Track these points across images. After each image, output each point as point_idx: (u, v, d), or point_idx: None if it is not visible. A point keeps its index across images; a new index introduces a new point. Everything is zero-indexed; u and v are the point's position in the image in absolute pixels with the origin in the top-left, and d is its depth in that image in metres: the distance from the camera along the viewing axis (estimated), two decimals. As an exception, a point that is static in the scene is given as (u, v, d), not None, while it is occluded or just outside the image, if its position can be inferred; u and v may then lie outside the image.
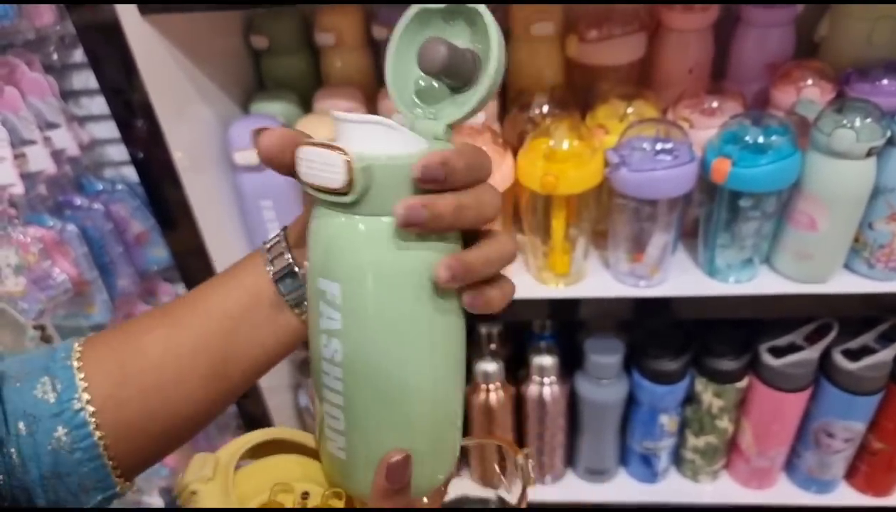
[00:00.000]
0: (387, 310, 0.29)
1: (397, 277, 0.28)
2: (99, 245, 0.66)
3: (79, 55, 0.64)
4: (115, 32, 0.55)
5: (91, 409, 0.33)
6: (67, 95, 0.66)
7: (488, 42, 0.28)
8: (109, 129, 0.67)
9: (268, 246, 0.37)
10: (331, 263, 0.29)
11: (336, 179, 0.27)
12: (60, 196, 0.65)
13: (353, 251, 0.28)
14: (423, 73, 0.29)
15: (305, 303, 0.35)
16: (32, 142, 0.60)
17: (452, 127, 0.29)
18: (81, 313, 0.67)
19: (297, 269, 0.36)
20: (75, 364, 0.33)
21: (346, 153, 0.26)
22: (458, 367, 0.32)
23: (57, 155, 0.63)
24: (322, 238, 0.29)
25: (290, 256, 0.36)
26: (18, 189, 0.59)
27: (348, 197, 0.27)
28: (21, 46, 0.62)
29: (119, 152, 0.69)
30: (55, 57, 0.63)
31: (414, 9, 0.30)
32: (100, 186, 0.68)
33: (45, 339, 0.74)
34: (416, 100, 0.31)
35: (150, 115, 0.59)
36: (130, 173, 0.70)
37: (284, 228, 0.37)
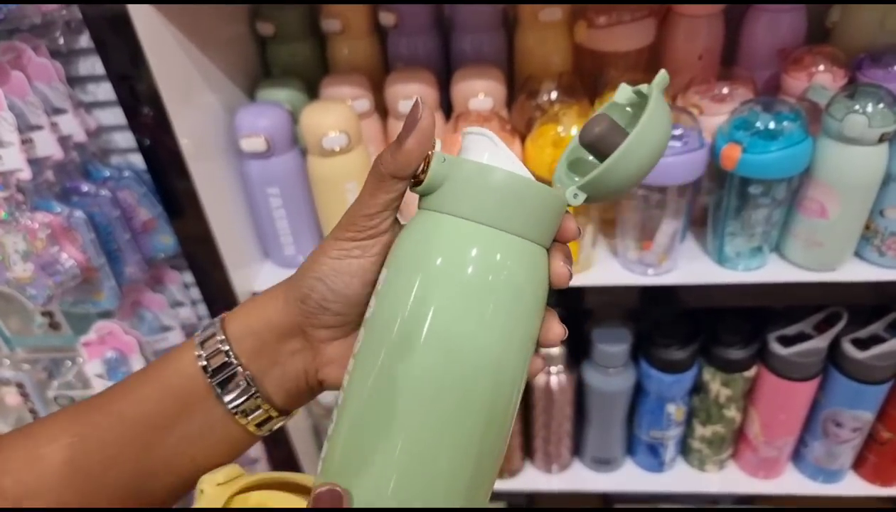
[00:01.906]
0: (431, 313, 0.26)
1: (463, 283, 0.26)
2: (106, 232, 0.66)
3: (85, 40, 0.64)
4: (121, 18, 0.54)
5: None
6: (74, 81, 0.65)
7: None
8: (116, 116, 0.67)
9: (201, 340, 0.31)
10: (392, 252, 0.29)
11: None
12: (67, 182, 0.65)
13: (409, 240, 0.28)
14: (582, 146, 0.30)
15: (257, 410, 0.31)
16: (39, 127, 0.60)
17: (586, 197, 0.29)
18: (90, 300, 0.67)
19: (241, 370, 0.30)
20: None
21: (434, 144, 0.28)
22: (503, 433, 0.28)
23: (64, 141, 0.62)
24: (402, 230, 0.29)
25: (231, 355, 0.30)
26: (26, 174, 0.59)
27: (421, 186, 0.27)
28: (27, 31, 0.62)
29: (126, 139, 0.69)
30: (61, 42, 0.63)
31: (611, 100, 0.32)
32: (107, 173, 0.68)
33: (54, 326, 0.75)
34: (568, 170, 0.32)
35: (157, 101, 0.58)
36: (137, 160, 0.70)
37: (221, 318, 0.32)
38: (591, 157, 0.31)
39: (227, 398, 0.31)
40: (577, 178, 0.30)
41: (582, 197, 0.29)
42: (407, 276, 0.27)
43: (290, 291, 0.31)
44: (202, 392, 0.30)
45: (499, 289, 0.26)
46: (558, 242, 0.30)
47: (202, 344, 0.31)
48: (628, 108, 0.32)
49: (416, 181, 0.28)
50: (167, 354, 0.32)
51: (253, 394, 0.31)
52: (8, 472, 0.29)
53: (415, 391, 0.26)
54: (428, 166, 0.27)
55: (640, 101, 0.31)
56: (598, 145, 0.29)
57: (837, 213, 0.62)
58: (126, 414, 0.30)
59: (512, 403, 0.28)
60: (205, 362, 0.30)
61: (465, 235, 0.26)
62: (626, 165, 0.28)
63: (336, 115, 0.64)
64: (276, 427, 0.33)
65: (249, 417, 0.31)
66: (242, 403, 0.31)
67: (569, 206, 0.29)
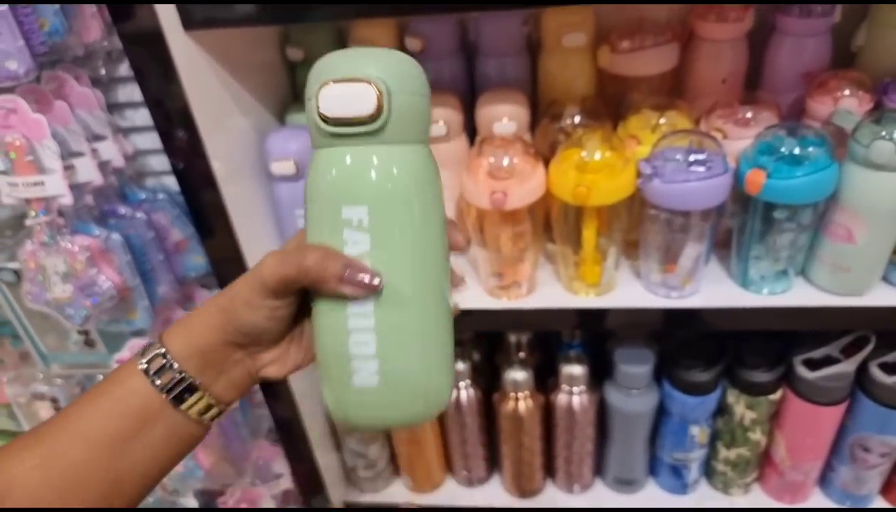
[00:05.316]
0: (411, 223, 0.33)
1: (421, 193, 0.33)
2: (141, 253, 0.68)
3: (124, 69, 0.67)
4: (159, 46, 0.57)
5: None
6: (113, 108, 0.68)
7: None
8: (152, 140, 0.70)
9: (145, 361, 0.36)
10: (357, 190, 0.32)
11: (366, 108, 0.30)
12: (105, 205, 0.68)
13: (377, 170, 0.32)
14: None
15: (211, 409, 0.37)
16: (81, 154, 0.63)
17: None
18: (124, 319, 0.69)
19: (193, 382, 0.36)
20: None
21: (374, 84, 0.30)
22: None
23: (103, 166, 0.65)
24: (345, 168, 0.32)
25: (182, 372, 0.35)
26: (67, 200, 0.61)
27: (377, 123, 0.31)
28: (70, 62, 0.65)
29: (160, 162, 0.71)
30: (102, 71, 0.66)
31: None
32: (142, 196, 0.70)
33: (89, 343, 0.77)
34: None
35: (191, 126, 0.60)
36: (171, 182, 0.72)
37: (161, 340, 0.36)
38: None
39: (184, 407, 0.36)
40: None
41: None
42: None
43: (228, 324, 0.36)
44: (159, 405, 0.35)
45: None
46: None
47: (148, 363, 0.35)
48: None
49: (370, 121, 0.31)
50: (113, 377, 0.36)
51: (206, 397, 0.36)
52: None
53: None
54: (381, 104, 0.31)
55: None
56: None
57: (865, 238, 0.62)
58: (90, 435, 0.34)
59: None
60: (157, 381, 0.35)
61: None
62: None
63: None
64: (225, 414, 0.39)
65: (205, 416, 0.37)
66: (198, 407, 0.36)
67: None
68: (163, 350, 0.35)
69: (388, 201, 0.32)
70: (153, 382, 0.35)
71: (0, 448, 0.34)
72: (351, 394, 0.34)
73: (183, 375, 0.35)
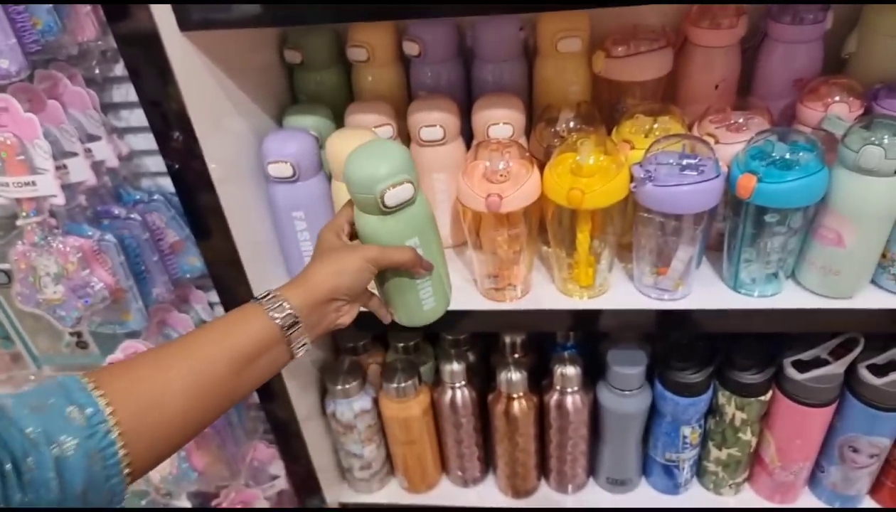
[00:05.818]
0: (433, 231, 0.59)
1: (432, 218, 0.59)
2: (135, 254, 0.67)
3: (119, 69, 0.66)
4: (154, 47, 0.56)
5: (118, 430, 0.38)
6: (108, 108, 0.68)
7: None
8: (147, 141, 0.69)
9: (273, 308, 0.49)
10: (410, 231, 0.56)
11: (409, 195, 0.54)
12: (99, 206, 0.67)
13: (418, 219, 0.57)
14: None
15: (305, 345, 0.52)
16: (74, 154, 0.62)
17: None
18: (117, 321, 0.68)
19: (303, 327, 0.50)
20: (95, 392, 0.39)
21: (409, 179, 0.54)
22: None
23: (97, 166, 0.64)
24: (402, 225, 0.56)
25: (299, 319, 0.50)
26: (59, 200, 0.61)
27: (413, 197, 0.55)
28: (64, 60, 0.64)
29: (156, 163, 0.71)
30: (97, 71, 0.65)
31: None
32: (137, 196, 0.70)
33: (81, 345, 0.76)
34: None
35: (187, 127, 0.60)
36: (166, 184, 0.72)
37: (283, 293, 0.51)
38: None
39: (297, 344, 0.50)
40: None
41: None
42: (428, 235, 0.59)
43: (341, 284, 0.52)
44: (276, 339, 0.49)
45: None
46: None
47: (274, 310, 0.49)
48: None
49: (410, 198, 0.55)
50: (236, 317, 0.48)
51: (305, 337, 0.51)
52: (140, 381, 0.41)
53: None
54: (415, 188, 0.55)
55: None
56: None
57: (854, 242, 0.63)
58: (223, 355, 0.45)
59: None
60: (279, 322, 0.48)
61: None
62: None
63: (360, 142, 0.65)
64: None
65: (299, 350, 0.51)
66: (298, 343, 0.51)
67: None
68: (285, 302, 0.49)
69: (424, 229, 0.58)
70: (277, 322, 0.48)
71: (147, 356, 0.44)
72: (423, 313, 0.62)
73: (298, 319, 0.49)
